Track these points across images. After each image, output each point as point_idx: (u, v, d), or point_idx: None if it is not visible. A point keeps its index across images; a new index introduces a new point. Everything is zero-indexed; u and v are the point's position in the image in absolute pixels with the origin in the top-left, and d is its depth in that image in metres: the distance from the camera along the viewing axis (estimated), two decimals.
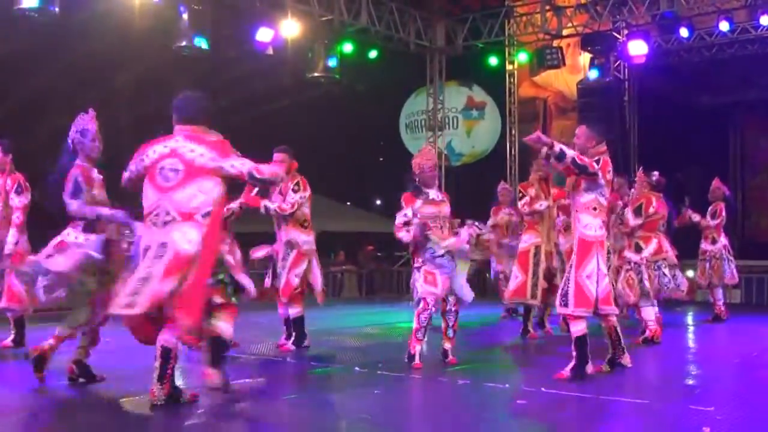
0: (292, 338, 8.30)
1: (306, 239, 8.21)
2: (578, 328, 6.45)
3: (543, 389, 6.06)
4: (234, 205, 7.86)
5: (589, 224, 6.44)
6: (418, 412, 5.85)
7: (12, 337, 8.33)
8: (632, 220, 8.89)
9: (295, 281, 8.08)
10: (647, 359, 8.29)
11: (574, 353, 6.46)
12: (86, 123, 6.12)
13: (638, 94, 18.18)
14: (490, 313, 11.63)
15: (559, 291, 6.59)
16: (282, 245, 8.19)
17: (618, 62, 17.53)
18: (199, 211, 5.24)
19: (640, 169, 9.48)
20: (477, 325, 11.10)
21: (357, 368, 7.20)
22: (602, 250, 6.48)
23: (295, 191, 8.08)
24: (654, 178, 9.20)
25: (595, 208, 6.45)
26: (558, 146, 6.21)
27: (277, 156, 7.95)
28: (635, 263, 8.97)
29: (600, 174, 6.39)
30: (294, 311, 8.21)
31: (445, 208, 7.28)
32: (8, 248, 8.00)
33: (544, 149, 6.18)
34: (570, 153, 6.26)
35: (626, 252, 9.00)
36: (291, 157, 8.08)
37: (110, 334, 6.28)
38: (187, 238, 5.14)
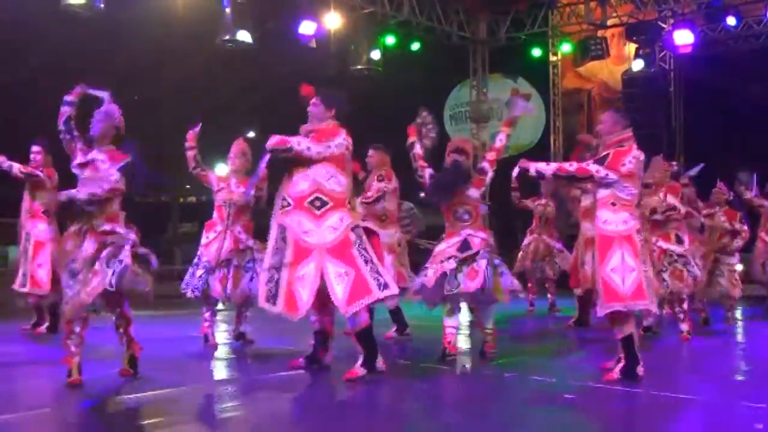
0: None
1: (383, 233, 7.92)
2: (625, 328, 6.27)
3: (590, 383, 5.99)
4: None
5: (608, 219, 6.20)
6: (464, 405, 5.80)
7: (47, 323, 8.63)
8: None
9: None
10: (695, 355, 8.18)
11: (622, 354, 6.23)
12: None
13: (684, 84, 17.94)
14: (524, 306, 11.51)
15: (594, 292, 6.37)
16: None
17: (663, 52, 17.29)
18: None
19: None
20: (520, 316, 11.05)
21: (402, 360, 7.18)
22: (628, 244, 6.18)
23: (379, 180, 8.35)
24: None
25: (613, 203, 6.19)
26: (534, 167, 6.40)
27: (370, 153, 8.52)
28: (679, 255, 8.80)
29: (599, 174, 6.15)
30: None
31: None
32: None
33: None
34: (549, 169, 6.41)
35: (667, 244, 8.79)
36: (383, 154, 8.54)
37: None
38: None
